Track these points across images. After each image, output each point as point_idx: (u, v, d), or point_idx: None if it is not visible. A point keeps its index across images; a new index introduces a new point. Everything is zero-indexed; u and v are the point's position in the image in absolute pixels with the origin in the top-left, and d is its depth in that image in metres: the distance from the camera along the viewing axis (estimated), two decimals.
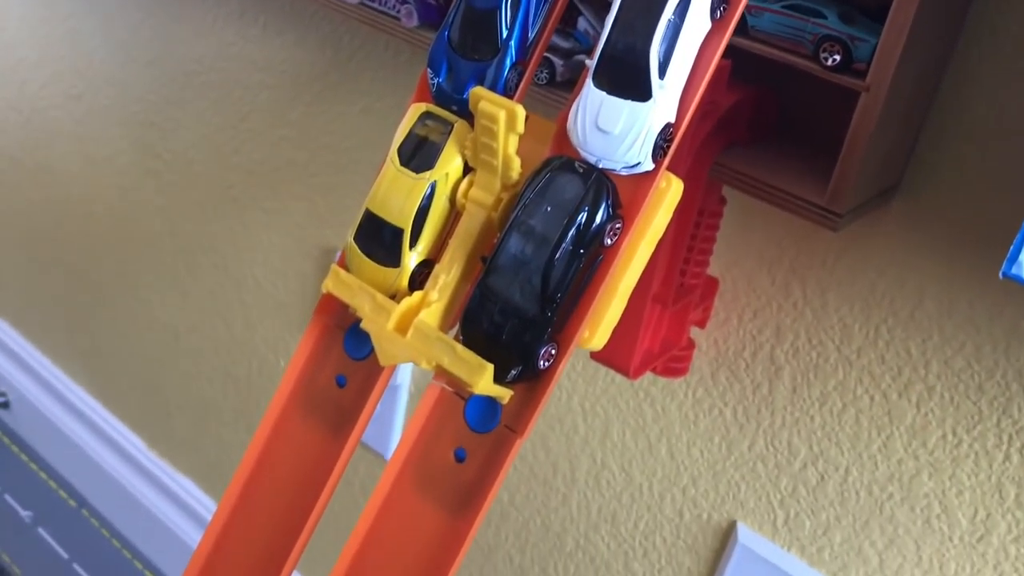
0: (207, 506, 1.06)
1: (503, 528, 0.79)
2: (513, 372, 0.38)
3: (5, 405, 1.29)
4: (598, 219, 0.37)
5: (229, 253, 0.93)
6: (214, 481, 1.06)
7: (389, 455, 0.83)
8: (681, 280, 0.58)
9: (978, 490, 0.55)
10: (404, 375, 0.82)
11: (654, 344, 0.58)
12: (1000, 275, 0.31)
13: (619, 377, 0.69)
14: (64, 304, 1.18)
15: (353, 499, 0.89)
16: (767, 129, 0.54)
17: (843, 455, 0.59)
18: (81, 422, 1.19)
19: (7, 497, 1.20)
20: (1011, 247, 0.30)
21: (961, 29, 0.49)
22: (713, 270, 0.61)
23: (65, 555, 1.14)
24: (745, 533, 0.65)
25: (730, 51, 0.48)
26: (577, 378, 0.71)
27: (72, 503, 1.20)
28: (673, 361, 0.62)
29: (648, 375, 0.67)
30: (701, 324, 0.63)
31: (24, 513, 1.18)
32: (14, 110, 1.12)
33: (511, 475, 0.77)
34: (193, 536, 1.06)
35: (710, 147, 0.52)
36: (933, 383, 0.55)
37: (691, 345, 0.62)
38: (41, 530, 1.16)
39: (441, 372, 0.38)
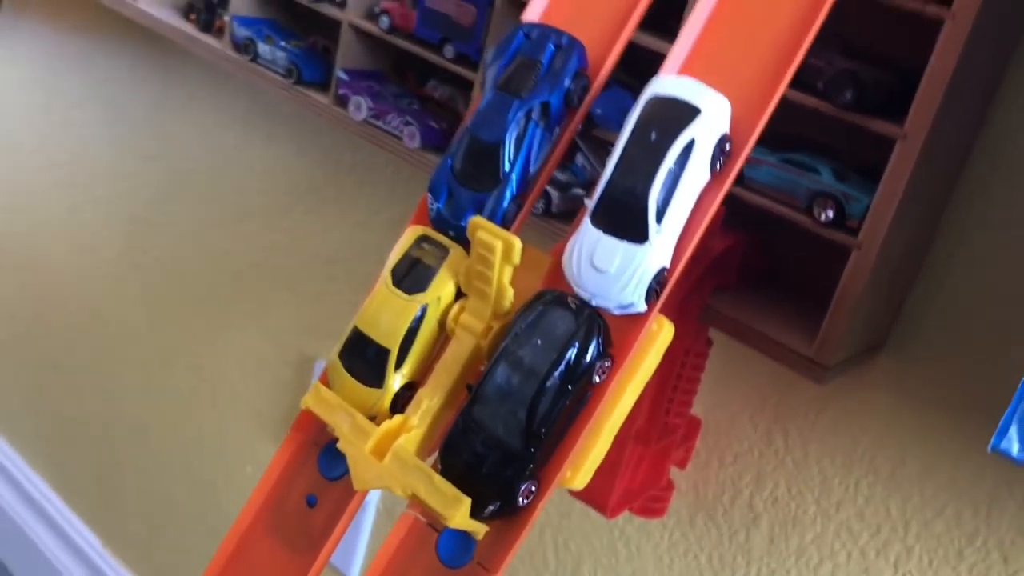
0: None
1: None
2: (491, 507, 0.37)
3: None
4: (588, 356, 0.37)
5: (207, 354, 0.92)
6: None
7: None
8: (665, 419, 0.57)
9: None
10: (374, 492, 0.80)
11: (634, 483, 0.57)
12: (989, 449, 0.31)
13: (595, 513, 0.67)
14: (31, 386, 1.16)
15: None
16: (756, 275, 0.55)
17: None
18: (36, 515, 1.15)
19: None
20: (1001, 420, 0.30)
21: (951, 195, 0.50)
22: (696, 410, 0.60)
23: None
24: None
25: (725, 199, 0.49)
26: (552, 510, 0.69)
27: None
28: (652, 501, 0.61)
29: (625, 513, 0.66)
30: (682, 465, 0.62)
31: None
32: (4, 189, 1.12)
33: None
34: None
35: (700, 290, 0.52)
36: (912, 544, 0.54)
37: (670, 486, 0.61)
38: None
39: (416, 501, 0.37)
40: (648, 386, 0.53)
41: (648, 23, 0.45)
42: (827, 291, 0.48)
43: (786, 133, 0.50)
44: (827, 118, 0.47)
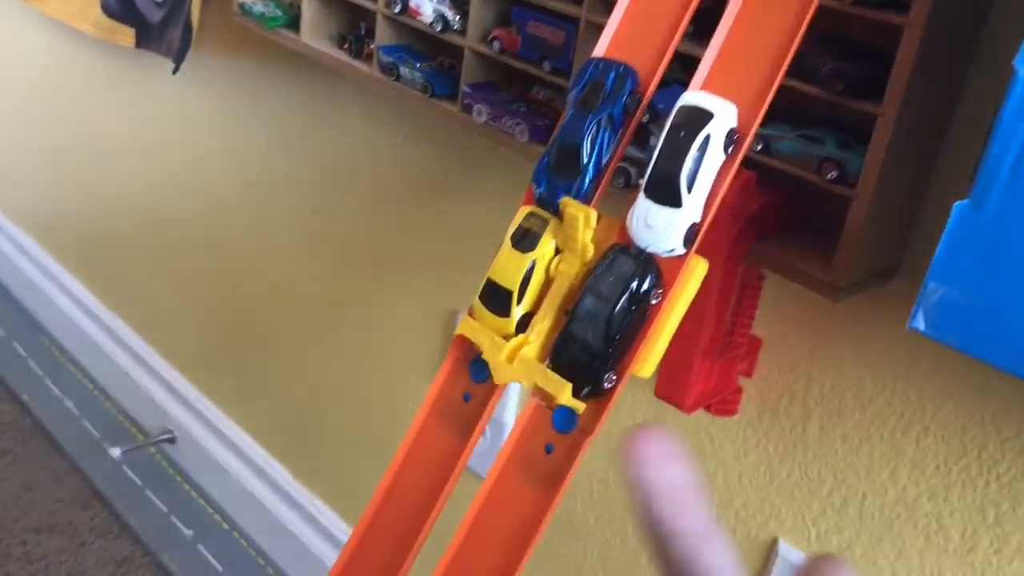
0: (343, 529, 1.24)
1: (589, 545, 0.95)
2: (585, 390, 0.55)
3: (172, 441, 1.51)
4: (646, 286, 0.54)
5: (371, 315, 1.13)
6: (350, 507, 1.24)
7: None
8: (729, 339, 0.74)
9: (966, 511, 0.68)
10: (510, 415, 1.00)
11: (707, 388, 0.74)
12: (906, 327, 0.47)
13: (685, 419, 0.84)
14: (228, 354, 1.40)
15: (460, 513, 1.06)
16: (790, 222, 0.70)
17: (860, 482, 0.73)
18: (237, 455, 1.40)
19: (173, 518, 1.41)
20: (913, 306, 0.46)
21: (941, 145, 0.65)
22: (758, 331, 0.76)
23: (220, 568, 1.34)
24: (785, 548, 0.79)
25: (760, 166, 0.65)
26: (651, 419, 0.87)
27: (225, 526, 1.41)
28: (724, 403, 0.78)
29: (708, 418, 0.83)
30: (748, 374, 0.78)
31: (187, 532, 1.39)
32: (196, 191, 1.36)
33: (597, 498, 0.93)
34: (329, 555, 1.25)
35: (745, 237, 0.68)
36: (928, 423, 0.69)
37: (739, 391, 0.78)
38: (200, 547, 1.37)
39: (536, 389, 0.56)
40: (709, 314, 0.70)
41: (695, 32, 0.63)
42: (839, 232, 0.63)
43: (802, 113, 0.66)
44: (829, 101, 0.62)
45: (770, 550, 0.80)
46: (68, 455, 1.49)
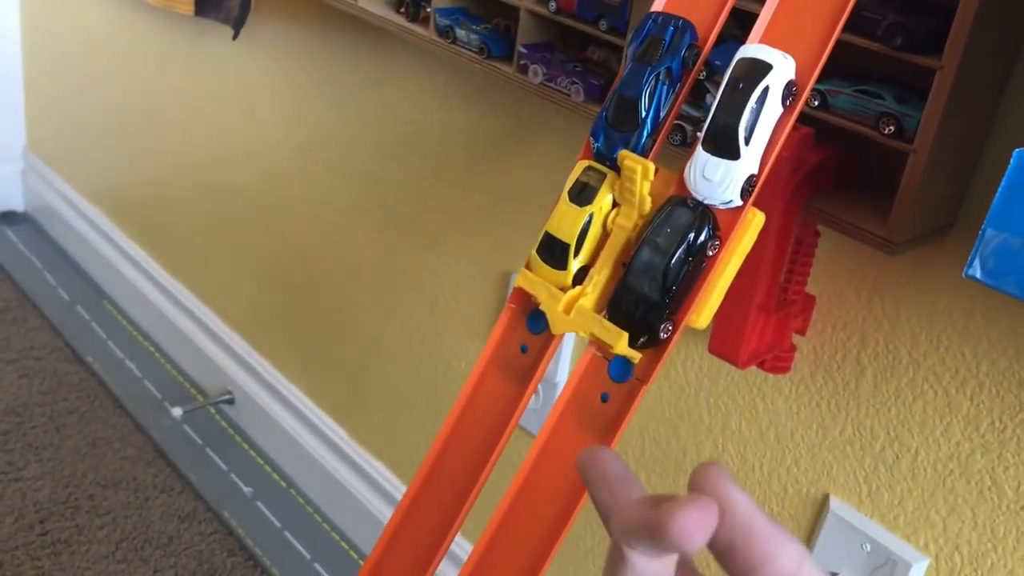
0: (397, 486, 1.27)
1: None
2: (641, 340, 0.56)
3: (231, 402, 1.55)
4: (703, 237, 0.55)
5: (425, 277, 1.15)
6: (404, 465, 1.27)
7: None
8: (784, 296, 0.75)
9: (1020, 467, 0.69)
10: (562, 375, 1.01)
11: (761, 344, 0.75)
12: (963, 275, 0.47)
13: (738, 377, 0.85)
14: (285, 317, 1.43)
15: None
16: (848, 179, 0.71)
17: (913, 439, 0.74)
18: (294, 415, 1.43)
19: (233, 476, 1.45)
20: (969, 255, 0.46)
21: (1000, 99, 0.65)
22: (812, 289, 0.77)
23: (278, 524, 1.38)
24: (836, 504, 0.80)
25: (816, 122, 0.66)
26: (703, 378, 0.88)
27: (283, 484, 1.45)
28: (777, 360, 0.79)
29: (760, 375, 0.84)
30: (802, 331, 0.79)
31: (246, 489, 1.43)
32: (254, 158, 1.39)
33: (648, 456, 0.94)
34: (383, 511, 1.28)
35: (801, 192, 0.68)
36: (983, 380, 0.69)
37: (793, 348, 0.79)
38: (259, 503, 1.41)
39: (593, 339, 0.57)
40: (764, 269, 0.71)
41: None
42: (895, 187, 0.64)
43: (860, 69, 0.66)
44: (888, 57, 0.62)
45: (822, 506, 0.81)
46: (131, 414, 1.54)
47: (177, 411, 1.51)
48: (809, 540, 0.83)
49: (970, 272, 0.46)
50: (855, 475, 0.78)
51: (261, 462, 1.48)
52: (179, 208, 1.61)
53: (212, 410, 1.57)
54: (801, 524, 0.83)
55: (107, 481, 1.40)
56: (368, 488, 1.31)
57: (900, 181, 0.63)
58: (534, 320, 0.62)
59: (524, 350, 0.63)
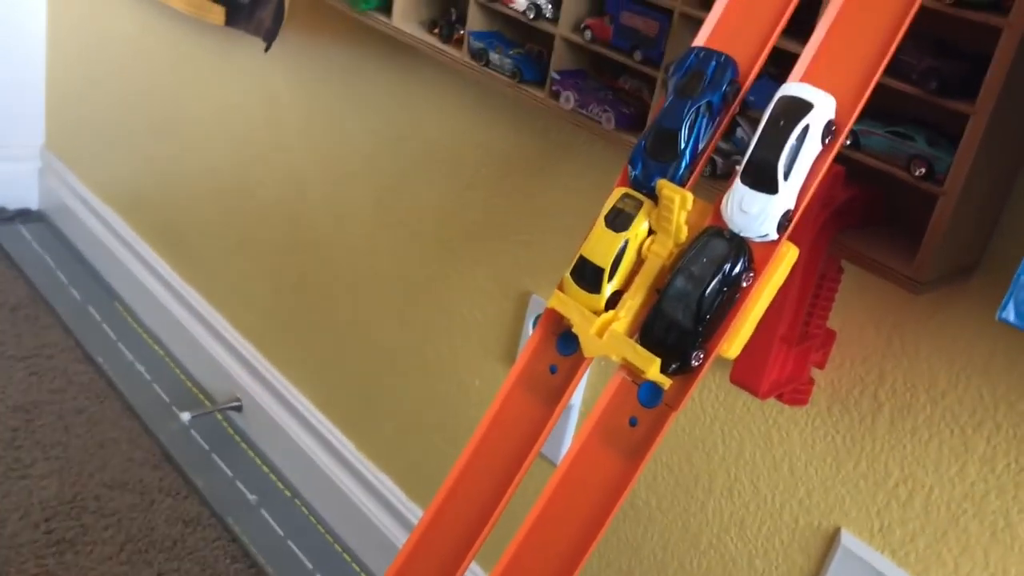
0: (404, 502, 1.28)
1: (650, 529, 0.97)
2: (673, 366, 0.57)
3: (239, 409, 1.56)
4: (737, 269, 0.56)
5: (443, 292, 1.16)
6: (411, 480, 1.28)
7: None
8: (806, 329, 0.76)
9: None
10: (577, 397, 1.02)
11: (781, 375, 0.76)
12: (996, 318, 0.48)
13: (754, 407, 0.86)
14: (297, 326, 1.44)
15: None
16: (875, 217, 0.72)
17: (928, 476, 0.75)
18: (301, 425, 1.44)
19: (238, 483, 1.46)
20: (1004, 297, 0.47)
21: None
22: (832, 323, 0.78)
23: (281, 532, 1.38)
24: (847, 538, 0.80)
25: (848, 161, 0.67)
26: (719, 407, 0.89)
27: (288, 493, 1.45)
28: (796, 392, 0.80)
29: (776, 406, 0.85)
30: (820, 365, 0.80)
31: (251, 497, 1.43)
32: (274, 167, 1.41)
33: (660, 482, 0.95)
34: (389, 527, 1.28)
35: (829, 228, 0.70)
36: (1000, 421, 0.70)
37: (811, 381, 0.80)
38: (264, 511, 1.41)
39: (624, 363, 0.58)
40: (790, 301, 0.72)
41: (789, 28, 0.64)
42: (923, 228, 0.65)
43: (893, 110, 0.67)
44: (921, 100, 0.63)
45: (833, 540, 0.82)
46: (139, 417, 1.54)
47: (185, 416, 1.52)
48: (819, 573, 0.83)
49: (1003, 315, 0.47)
50: (867, 510, 0.79)
51: (267, 470, 1.49)
52: (195, 213, 1.62)
53: (220, 416, 1.57)
54: (811, 557, 0.84)
55: (113, 482, 1.41)
56: (373, 501, 1.32)
57: (927, 221, 0.64)
58: (565, 342, 0.63)
59: (553, 371, 0.64)
